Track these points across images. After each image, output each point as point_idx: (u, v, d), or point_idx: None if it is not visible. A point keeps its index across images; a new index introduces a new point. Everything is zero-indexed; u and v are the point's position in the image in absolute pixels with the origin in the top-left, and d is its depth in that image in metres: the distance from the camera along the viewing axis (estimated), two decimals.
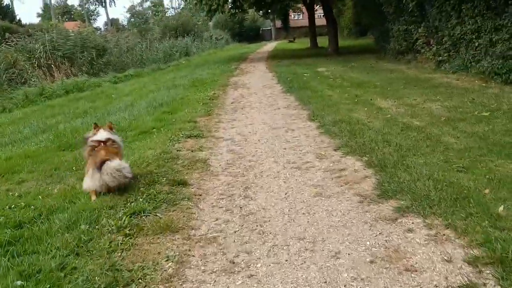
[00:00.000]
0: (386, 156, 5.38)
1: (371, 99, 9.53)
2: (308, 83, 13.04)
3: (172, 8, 69.77)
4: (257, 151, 6.43)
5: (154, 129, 7.92)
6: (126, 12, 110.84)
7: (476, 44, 11.75)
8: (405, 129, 6.73)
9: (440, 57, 13.65)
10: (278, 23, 69.22)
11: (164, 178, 5.18)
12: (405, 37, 17.17)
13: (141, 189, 4.80)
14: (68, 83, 18.16)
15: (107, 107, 11.31)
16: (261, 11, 42.34)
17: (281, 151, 6.30)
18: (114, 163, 4.52)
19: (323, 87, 12.00)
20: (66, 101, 13.62)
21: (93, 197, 4.56)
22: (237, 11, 29.45)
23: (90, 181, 4.62)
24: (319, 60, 21.86)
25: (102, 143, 4.91)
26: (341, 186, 4.74)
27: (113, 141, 5.07)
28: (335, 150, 6.10)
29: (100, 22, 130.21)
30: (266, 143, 6.85)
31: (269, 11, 35.18)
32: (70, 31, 24.77)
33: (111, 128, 5.29)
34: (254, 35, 68.37)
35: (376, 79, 12.76)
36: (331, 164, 5.50)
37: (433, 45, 14.27)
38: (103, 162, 4.51)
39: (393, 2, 17.33)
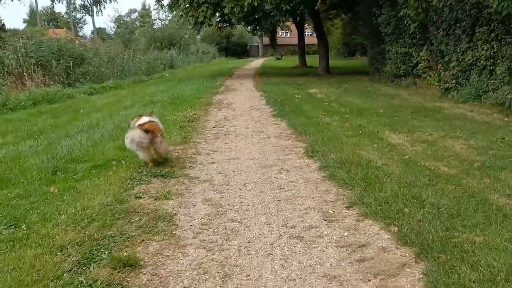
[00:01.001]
0: (425, 227, 3.76)
1: (378, 131, 7.96)
2: (300, 107, 11.46)
3: (159, 19, 68.26)
4: (242, 202, 4.76)
5: (114, 162, 6.21)
6: (112, 21, 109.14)
7: (494, 71, 10.29)
8: (433, 178, 5.13)
9: (447, 84, 12.19)
10: (266, 40, 67.96)
11: (106, 252, 3.50)
12: (404, 60, 15.77)
13: (64, 275, 3.10)
14: (38, 93, 16.31)
15: (69, 125, 9.54)
16: (249, 27, 41.05)
17: (275, 205, 4.64)
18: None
19: (318, 113, 10.42)
20: (27, 115, 11.80)
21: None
22: (225, 25, 27.94)
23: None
24: (310, 80, 20.36)
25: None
26: (369, 281, 3.10)
27: (152, 121, 6.24)
28: (347, 207, 4.47)
29: (87, 30, 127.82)
30: (254, 189, 5.19)
31: (258, 27, 33.74)
32: (45, 38, 22.98)
33: (150, 115, 6.60)
34: (241, 51, 67.00)
35: (377, 105, 11.24)
36: (346, 233, 3.87)
37: (440, 70, 12.82)
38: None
39: (392, 22, 15.94)
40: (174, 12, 27.37)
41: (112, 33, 72.49)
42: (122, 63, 26.97)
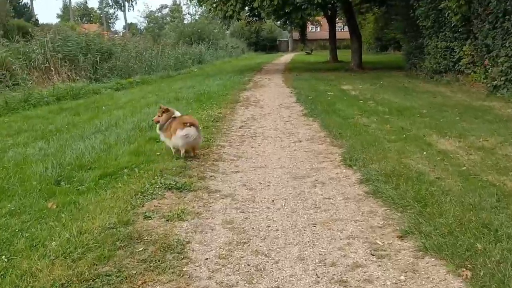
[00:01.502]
0: (508, 272, 2.85)
1: (424, 136, 6.99)
2: (334, 105, 10.53)
3: (188, 14, 67.65)
4: (269, 226, 3.91)
5: (126, 170, 5.45)
6: (142, 17, 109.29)
7: None
8: (502, 198, 4.17)
9: (495, 81, 11.05)
10: (295, 35, 66.91)
11: None
12: (444, 55, 14.62)
13: None
14: (62, 88, 15.82)
15: (87, 125, 8.87)
16: (279, 21, 40.06)
17: (309, 231, 3.78)
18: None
19: (353, 112, 9.48)
20: (47, 112, 11.21)
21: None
22: (254, 19, 27.09)
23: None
24: (342, 75, 19.32)
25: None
26: None
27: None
28: (400, 237, 3.58)
29: (119, 26, 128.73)
30: (284, 208, 4.34)
31: (287, 21, 32.75)
32: (73, 32, 22.55)
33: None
34: (270, 46, 66.07)
35: (418, 104, 10.22)
36: (403, 277, 2.98)
37: (488, 66, 11.67)
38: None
39: (432, 15, 14.79)
40: (204, 7, 26.52)
41: (142, 28, 72.44)
42: (151, 58, 26.44)
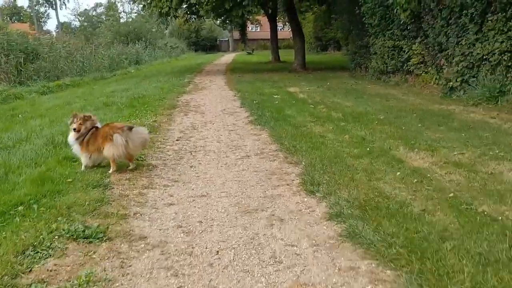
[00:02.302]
0: None
1: (390, 148, 6.01)
2: (282, 110, 9.45)
3: (123, 12, 64.76)
4: None
5: (21, 207, 4.06)
6: (72, 15, 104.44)
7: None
8: None
9: (450, 83, 10.35)
10: (236, 34, 65.72)
11: None
12: (392, 54, 13.92)
13: None
14: None
15: None
16: (218, 20, 38.77)
17: None
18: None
19: (305, 119, 8.44)
20: None
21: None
22: (192, 17, 25.68)
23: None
24: (287, 76, 18.35)
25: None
26: None
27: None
28: None
29: (51, 25, 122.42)
30: (233, 264, 3.14)
31: (228, 20, 31.56)
32: None
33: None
34: (211, 45, 64.57)
35: (372, 108, 9.32)
36: None
37: (444, 66, 10.96)
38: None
39: (378, 12, 14.06)
40: (137, 4, 24.81)
41: (76, 27, 68.82)
42: (82, 59, 24.44)
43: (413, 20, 12.52)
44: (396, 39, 13.55)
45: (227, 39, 69.75)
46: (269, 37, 53.44)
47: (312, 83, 14.92)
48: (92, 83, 19.44)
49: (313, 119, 8.36)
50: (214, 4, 19.26)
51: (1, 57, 17.82)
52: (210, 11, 25.12)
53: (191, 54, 50.89)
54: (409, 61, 12.94)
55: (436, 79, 11.43)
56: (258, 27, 67.42)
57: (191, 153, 6.37)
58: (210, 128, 8.31)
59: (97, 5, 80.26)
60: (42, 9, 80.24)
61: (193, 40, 60.39)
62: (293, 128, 7.63)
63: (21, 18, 78.87)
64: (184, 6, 22.98)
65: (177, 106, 10.92)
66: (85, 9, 79.73)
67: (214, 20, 50.74)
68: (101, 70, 24.76)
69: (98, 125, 5.64)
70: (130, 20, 53.26)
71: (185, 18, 25.11)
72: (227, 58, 40.92)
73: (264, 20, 63.19)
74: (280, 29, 48.85)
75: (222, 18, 31.96)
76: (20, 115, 10.14)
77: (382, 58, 14.46)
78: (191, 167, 5.68)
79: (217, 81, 17.95)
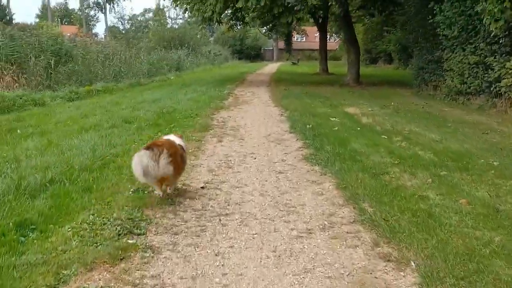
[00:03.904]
0: None
1: None
2: (347, 142, 6.98)
3: (169, 18, 63.25)
4: None
5: None
6: (116, 18, 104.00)
7: None
8: None
9: None
10: (280, 44, 63.50)
11: None
12: (475, 72, 11.21)
13: None
14: None
15: None
16: (264, 28, 36.60)
17: None
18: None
19: (382, 159, 5.95)
20: None
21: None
22: (237, 24, 23.50)
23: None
24: (339, 92, 15.84)
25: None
26: None
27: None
28: None
29: (100, 28, 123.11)
30: None
31: (274, 28, 29.34)
32: (27, 31, 18.70)
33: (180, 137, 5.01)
34: (255, 54, 62.51)
35: (471, 145, 6.74)
36: None
37: None
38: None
39: (460, 21, 11.39)
40: (179, 7, 22.84)
41: (123, 31, 68.19)
42: (120, 63, 22.64)
43: (506, 32, 9.85)
44: (482, 55, 10.85)
45: (271, 48, 67.56)
46: (314, 47, 50.88)
47: (373, 102, 12.35)
48: (126, 90, 17.51)
49: (395, 160, 5.85)
50: (262, 8, 17.02)
51: (31, 59, 16.11)
52: (256, 18, 23.07)
53: (234, 62, 48.90)
54: (500, 82, 10.22)
55: None
56: (304, 37, 65.00)
57: (220, 219, 4.00)
58: (250, 165, 5.93)
59: (146, 10, 79.51)
60: (92, 12, 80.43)
61: (238, 48, 58.50)
62: (369, 175, 5.16)
63: (71, 20, 79.26)
64: (229, 11, 20.90)
65: (211, 127, 8.61)
66: (134, 14, 79.22)
67: (259, 29, 48.84)
68: (139, 76, 22.94)
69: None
70: (175, 25, 51.83)
71: (229, 24, 22.95)
72: (271, 67, 38.58)
73: (310, 30, 60.90)
74: (328, 40, 46.27)
75: (268, 26, 29.91)
76: (19, 130, 8.07)
77: (460, 76, 11.76)
78: (216, 255, 3.31)
79: (260, 94, 15.61)
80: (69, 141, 6.90)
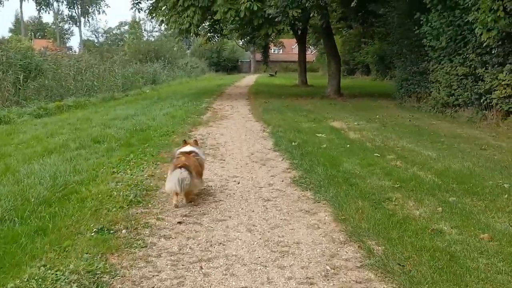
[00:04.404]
0: None
1: None
2: (338, 162, 6.36)
3: (145, 30, 62.14)
4: None
5: None
6: (89, 31, 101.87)
7: None
8: None
9: None
10: (258, 56, 63.10)
11: None
12: (464, 84, 10.79)
13: None
14: None
15: None
16: (242, 40, 36.06)
17: None
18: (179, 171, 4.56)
19: (380, 182, 5.34)
20: None
21: (174, 201, 4.70)
22: (215, 36, 22.86)
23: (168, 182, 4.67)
24: (321, 104, 15.31)
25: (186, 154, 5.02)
26: None
27: (196, 153, 5.18)
28: None
29: (74, 42, 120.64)
30: None
31: (252, 39, 28.78)
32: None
33: (196, 143, 5.57)
34: (232, 66, 61.91)
35: (473, 163, 6.18)
36: None
37: None
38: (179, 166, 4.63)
39: (449, 31, 10.98)
40: (155, 19, 22.14)
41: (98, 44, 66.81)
42: (92, 77, 21.73)
43: (499, 42, 9.44)
44: (472, 66, 10.43)
45: (248, 60, 67.10)
46: (291, 59, 50.79)
47: (357, 115, 11.81)
48: (98, 105, 16.64)
49: (394, 183, 5.24)
50: (241, 20, 16.44)
51: None
52: (234, 30, 22.54)
53: (211, 75, 48.20)
54: (491, 93, 9.80)
55: None
56: (281, 49, 64.84)
57: (201, 267, 3.29)
58: (234, 191, 5.25)
59: (122, 23, 78.28)
60: (66, 26, 78.90)
61: (215, 60, 57.87)
62: (370, 203, 4.53)
63: (45, 34, 77.59)
64: (207, 23, 20.28)
65: None
66: (109, 27, 77.89)
67: (236, 41, 48.34)
68: (113, 90, 22.07)
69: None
70: (151, 38, 50.97)
71: (207, 36, 22.31)
72: (249, 79, 38.02)
73: (287, 42, 60.73)
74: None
75: (247, 38, 29.38)
76: None
77: (447, 87, 11.33)
78: None
79: (240, 107, 14.96)
80: (29, 166, 6.10)
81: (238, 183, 5.65)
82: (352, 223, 4.04)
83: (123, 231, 3.89)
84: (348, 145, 7.60)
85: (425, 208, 4.39)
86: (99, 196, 4.77)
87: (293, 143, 7.71)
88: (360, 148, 7.38)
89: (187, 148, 5.21)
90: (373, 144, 7.84)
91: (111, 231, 3.87)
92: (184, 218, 4.33)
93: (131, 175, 5.77)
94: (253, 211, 4.55)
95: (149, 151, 7.19)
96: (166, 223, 4.21)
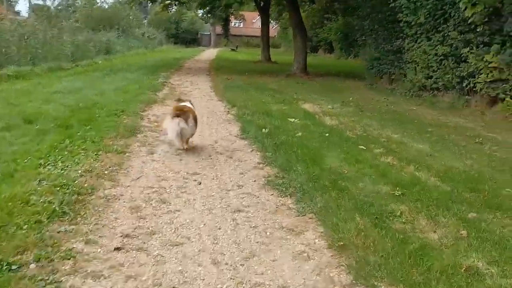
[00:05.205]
0: None
1: None
2: (319, 155, 5.29)
3: None
4: None
5: None
6: None
7: None
8: None
9: None
10: (218, 29, 60.94)
11: None
12: (443, 65, 9.91)
13: None
14: None
15: None
16: (202, 10, 34.29)
17: None
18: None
19: (375, 186, 4.31)
20: None
21: (179, 145, 5.50)
22: (173, 3, 21.20)
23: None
24: (287, 83, 14.18)
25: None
26: None
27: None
28: None
29: (23, 6, 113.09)
30: None
31: (212, 11, 27.19)
32: None
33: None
34: (191, 39, 59.53)
35: (478, 164, 5.25)
36: None
37: None
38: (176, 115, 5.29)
39: (428, 6, 10.03)
40: None
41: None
42: (37, 44, 19.68)
43: (486, 19, 8.55)
44: (453, 45, 9.54)
45: (208, 33, 64.80)
46: (252, 33, 49.20)
47: (329, 97, 10.78)
48: (43, 76, 14.90)
49: (392, 188, 4.21)
50: None
51: None
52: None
53: (170, 47, 46.00)
54: (475, 77, 8.96)
55: None
56: (242, 23, 62.90)
57: None
58: (194, 197, 4.09)
59: None
60: None
61: (173, 32, 55.42)
62: (370, 219, 3.49)
63: None
64: None
65: (140, 130, 6.62)
66: None
67: (196, 11, 46.24)
68: (61, 59, 20.13)
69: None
70: (105, 5, 48.00)
71: (163, 4, 20.61)
72: (209, 53, 36.30)
73: (248, 15, 58.86)
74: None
75: (207, 8, 27.72)
76: None
77: (425, 69, 10.44)
78: None
79: (200, 83, 13.63)
80: None
81: (200, 183, 4.48)
82: (355, 254, 2.98)
83: (32, 265, 2.69)
84: (327, 134, 6.53)
85: (443, 229, 3.39)
86: (10, 203, 3.50)
87: (264, 130, 6.56)
88: (341, 138, 6.33)
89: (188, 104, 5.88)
90: (354, 133, 6.81)
91: (14, 267, 2.65)
92: (124, 241, 3.15)
93: (61, 169, 4.49)
94: (219, 229, 3.43)
95: (91, 136, 5.86)
96: (99, 250, 3.01)
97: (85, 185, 4.15)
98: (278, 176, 4.65)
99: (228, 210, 3.81)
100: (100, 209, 3.68)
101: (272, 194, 4.21)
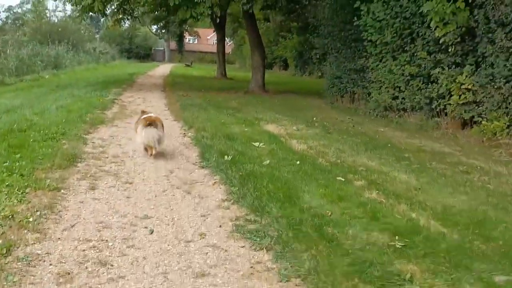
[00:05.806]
0: None
1: None
2: (294, 190, 4.45)
3: (47, 9, 55.46)
4: None
5: None
6: None
7: None
8: None
9: None
10: (172, 45, 59.65)
11: None
12: (410, 86, 9.40)
13: None
14: None
15: None
16: (156, 25, 33.22)
17: None
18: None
19: (370, 234, 3.49)
20: None
21: (149, 152, 5.73)
22: (125, 18, 20.05)
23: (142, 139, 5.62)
24: (247, 101, 13.35)
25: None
26: None
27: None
28: None
29: None
30: None
31: (167, 25, 26.19)
32: None
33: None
34: (145, 54, 57.93)
35: (475, 200, 4.53)
36: None
37: None
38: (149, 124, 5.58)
39: (395, 24, 9.53)
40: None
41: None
42: None
43: (458, 39, 8.07)
44: (422, 65, 9.03)
45: (162, 49, 63.35)
46: (206, 50, 48.70)
47: (292, 117, 10.02)
48: None
49: (390, 237, 3.40)
50: (154, 1, 14.05)
51: None
52: (147, 12, 20.04)
53: (123, 62, 44.35)
54: (445, 98, 8.45)
55: (506, 128, 6.98)
56: (196, 39, 61.87)
57: None
58: (144, 254, 3.14)
59: (23, 2, 70.57)
60: None
61: (126, 47, 53.77)
62: (375, 286, 2.65)
63: None
64: (115, 3, 17.41)
65: (81, 158, 5.56)
66: (10, 6, 69.82)
67: (150, 27, 45.01)
68: (4, 74, 18.56)
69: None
70: (54, 18, 45.85)
71: (115, 18, 19.44)
72: (164, 69, 35.04)
73: (202, 32, 58.03)
74: (214, 42, 43.61)
75: (161, 24, 26.71)
76: None
77: (391, 89, 9.90)
78: None
79: (154, 101, 12.59)
80: None
81: (152, 232, 3.53)
82: None
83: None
84: (298, 162, 5.69)
85: None
86: None
87: (226, 157, 5.65)
88: (315, 167, 5.51)
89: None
90: (327, 160, 6.02)
91: None
92: None
93: None
94: None
95: (20, 167, 4.77)
96: None
97: (10, 234, 3.11)
98: (249, 220, 3.77)
99: (188, 273, 2.88)
100: (15, 280, 2.67)
101: (243, 246, 3.32)
